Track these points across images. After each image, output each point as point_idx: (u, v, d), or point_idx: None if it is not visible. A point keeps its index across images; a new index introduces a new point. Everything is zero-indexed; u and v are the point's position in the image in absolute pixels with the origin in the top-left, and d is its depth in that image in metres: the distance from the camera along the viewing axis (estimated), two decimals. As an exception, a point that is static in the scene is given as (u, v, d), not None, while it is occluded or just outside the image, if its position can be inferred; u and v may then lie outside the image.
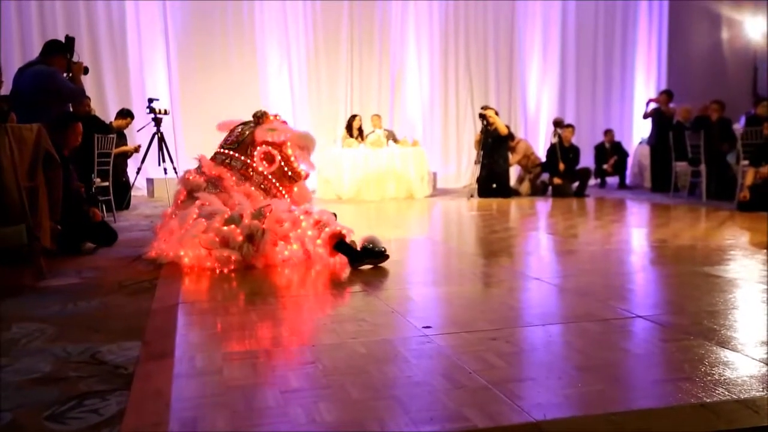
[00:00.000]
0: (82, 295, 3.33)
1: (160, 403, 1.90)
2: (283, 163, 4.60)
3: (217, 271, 3.84)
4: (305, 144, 4.73)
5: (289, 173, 4.65)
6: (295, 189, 4.72)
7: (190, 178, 4.48)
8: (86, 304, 3.15)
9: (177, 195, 4.55)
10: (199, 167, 4.58)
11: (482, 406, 1.84)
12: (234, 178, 4.46)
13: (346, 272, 3.84)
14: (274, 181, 4.59)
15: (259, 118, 4.71)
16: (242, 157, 4.56)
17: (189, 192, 4.44)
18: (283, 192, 4.63)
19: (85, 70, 5.35)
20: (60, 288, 3.53)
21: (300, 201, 4.69)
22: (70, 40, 5.29)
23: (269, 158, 4.56)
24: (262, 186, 4.55)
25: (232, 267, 3.87)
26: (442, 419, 1.77)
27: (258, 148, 4.56)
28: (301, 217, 4.14)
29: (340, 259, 4.01)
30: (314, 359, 2.26)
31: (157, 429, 1.73)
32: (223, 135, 4.85)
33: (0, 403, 1.93)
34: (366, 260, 3.93)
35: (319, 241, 4.03)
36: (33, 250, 3.69)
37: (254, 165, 4.55)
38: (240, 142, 4.61)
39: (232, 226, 3.98)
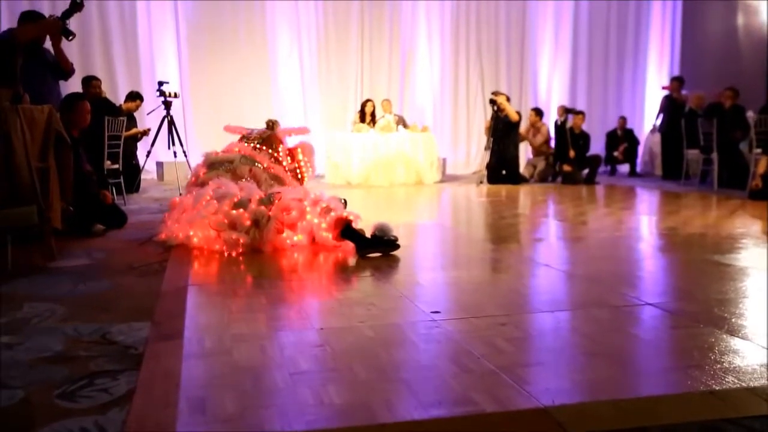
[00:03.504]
0: (92, 276, 3.35)
1: (169, 383, 1.91)
2: (295, 165, 5.14)
3: (226, 254, 3.86)
4: (310, 152, 5.28)
5: (299, 176, 5.16)
6: None
7: (218, 153, 4.85)
8: (96, 285, 3.17)
9: (196, 170, 4.84)
10: (228, 151, 4.95)
11: (490, 391, 1.84)
12: (266, 161, 4.88)
13: (354, 257, 3.85)
14: (289, 176, 5.01)
15: (274, 123, 5.71)
16: (269, 150, 4.99)
17: (211, 165, 4.61)
18: None
19: (64, 31, 4.91)
20: (70, 269, 3.55)
21: None
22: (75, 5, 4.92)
23: (291, 155, 5.11)
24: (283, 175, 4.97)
25: (240, 250, 3.89)
26: (450, 403, 1.77)
27: (281, 145, 5.09)
28: (308, 208, 4.10)
29: (346, 246, 3.97)
30: (323, 342, 2.27)
31: (167, 408, 1.75)
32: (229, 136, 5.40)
33: (12, 380, 1.95)
34: (375, 249, 3.85)
35: (324, 225, 4.02)
36: (44, 230, 3.71)
37: (279, 158, 5.01)
38: (264, 139, 5.08)
39: (241, 210, 3.99)
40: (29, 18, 5.04)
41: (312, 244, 4.11)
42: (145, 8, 10.01)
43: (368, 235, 3.91)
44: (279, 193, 4.18)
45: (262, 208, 4.01)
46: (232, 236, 3.91)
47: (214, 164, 4.68)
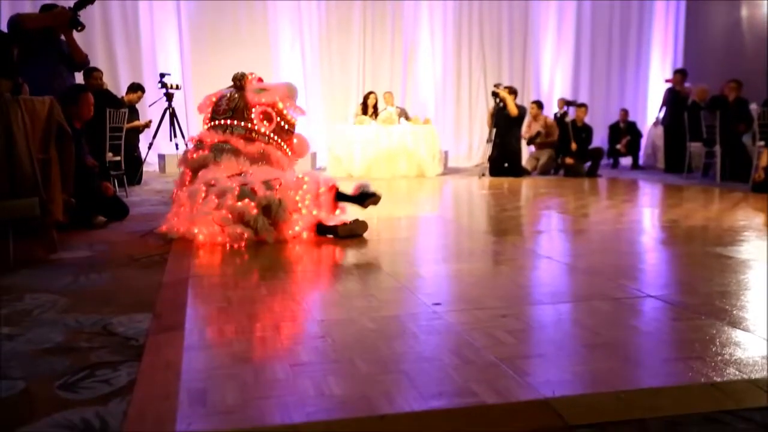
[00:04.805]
0: (93, 268, 3.35)
1: (170, 375, 1.91)
2: (279, 118, 4.72)
3: (228, 247, 3.86)
4: (290, 94, 4.86)
5: (286, 126, 4.77)
6: (295, 141, 4.83)
7: (194, 156, 4.53)
8: (98, 277, 3.17)
9: (182, 176, 4.58)
10: (200, 143, 4.63)
11: (491, 382, 1.84)
12: (241, 141, 4.54)
13: (355, 248, 3.85)
14: (276, 138, 4.69)
15: (240, 80, 4.81)
16: (242, 123, 4.63)
17: (195, 170, 4.47)
18: (286, 148, 4.75)
19: (73, 22, 4.93)
20: (72, 261, 3.55)
21: (300, 150, 4.89)
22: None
23: (268, 117, 4.67)
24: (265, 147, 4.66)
25: (244, 243, 3.89)
26: (450, 394, 1.77)
27: (254, 109, 4.67)
28: (300, 174, 4.29)
29: (342, 209, 4.28)
30: (324, 334, 2.27)
31: (167, 400, 1.75)
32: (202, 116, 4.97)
33: (13, 371, 1.95)
34: (366, 201, 4.27)
35: (323, 189, 4.19)
36: (45, 222, 3.71)
37: (256, 127, 4.63)
38: (234, 110, 4.68)
39: (246, 200, 3.98)
40: (48, 11, 5.06)
41: (312, 234, 4.12)
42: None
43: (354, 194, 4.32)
44: (277, 178, 4.18)
45: (271, 192, 4.01)
46: (237, 230, 3.90)
47: (196, 171, 4.47)
